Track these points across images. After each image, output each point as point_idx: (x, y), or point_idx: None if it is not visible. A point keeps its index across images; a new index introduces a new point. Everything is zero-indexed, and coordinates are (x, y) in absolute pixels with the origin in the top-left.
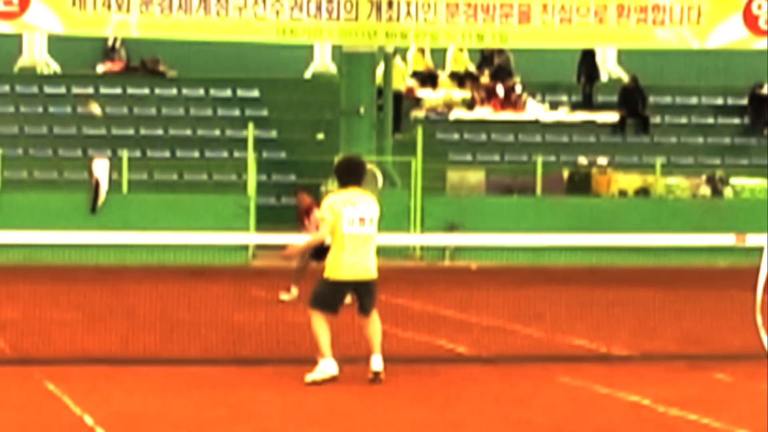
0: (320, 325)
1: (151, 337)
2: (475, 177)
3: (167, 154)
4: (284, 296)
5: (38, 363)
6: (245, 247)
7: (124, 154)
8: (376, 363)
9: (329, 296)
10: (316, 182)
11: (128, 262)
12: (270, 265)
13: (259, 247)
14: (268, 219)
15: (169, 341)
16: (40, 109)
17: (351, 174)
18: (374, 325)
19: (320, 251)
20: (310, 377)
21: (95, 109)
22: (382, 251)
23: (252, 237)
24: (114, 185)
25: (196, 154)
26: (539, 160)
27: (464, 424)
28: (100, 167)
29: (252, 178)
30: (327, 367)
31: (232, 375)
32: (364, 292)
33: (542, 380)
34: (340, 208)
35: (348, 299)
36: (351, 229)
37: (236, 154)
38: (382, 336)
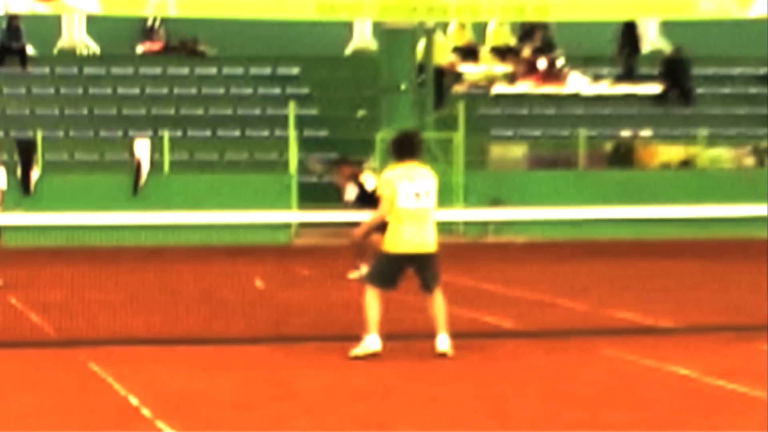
0: (372, 301)
1: (195, 317)
2: (517, 151)
3: (208, 133)
4: (353, 275)
5: (82, 344)
6: (287, 226)
7: (165, 134)
8: (442, 343)
9: (388, 270)
10: (358, 159)
11: (170, 242)
12: (312, 244)
13: (302, 226)
14: (310, 197)
15: (212, 321)
16: (80, 91)
17: (407, 148)
18: (438, 304)
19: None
20: (353, 352)
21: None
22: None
23: (294, 215)
24: (155, 166)
25: (237, 133)
26: (582, 133)
27: (508, 399)
28: (141, 148)
29: (293, 156)
30: (371, 342)
31: (276, 353)
32: (423, 266)
33: (587, 354)
34: (397, 183)
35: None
36: (407, 203)
37: (277, 132)
38: (423, 312)
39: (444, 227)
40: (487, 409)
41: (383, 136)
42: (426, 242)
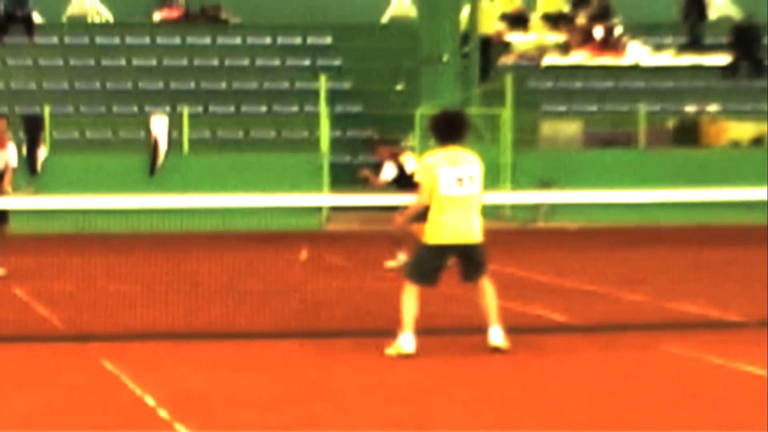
0: (410, 298)
1: (217, 310)
2: (571, 129)
3: (231, 109)
4: (390, 264)
5: (94, 339)
6: (318, 210)
7: (185, 110)
8: (495, 336)
9: (428, 264)
10: (395, 138)
11: (190, 228)
12: (345, 229)
13: (334, 210)
14: (343, 179)
15: (236, 313)
16: (92, 62)
17: (450, 130)
18: (488, 294)
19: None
20: (387, 351)
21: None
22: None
23: (325, 198)
24: (174, 144)
25: (263, 108)
26: (642, 108)
27: (562, 400)
28: (159, 125)
29: (325, 134)
30: (405, 342)
31: (305, 349)
32: (466, 257)
33: (648, 350)
34: (437, 169)
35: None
36: (448, 190)
37: (307, 108)
38: (472, 304)
39: (490, 212)
40: (538, 411)
41: (423, 112)
42: (470, 232)
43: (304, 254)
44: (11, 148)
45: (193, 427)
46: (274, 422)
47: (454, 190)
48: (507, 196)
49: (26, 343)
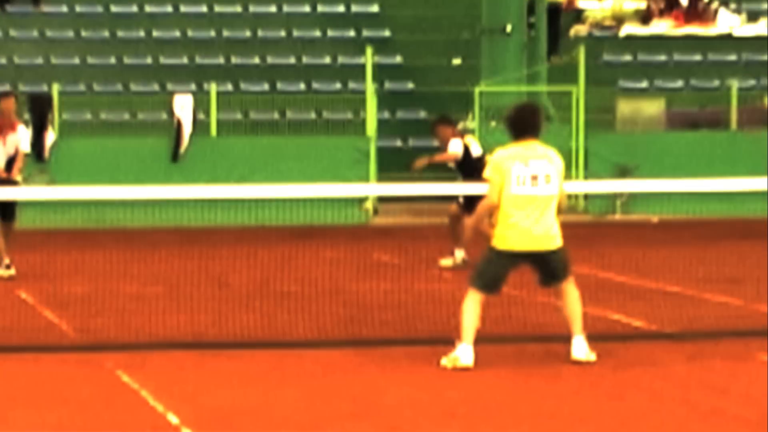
0: (472, 306)
1: (250, 315)
2: (652, 108)
3: (265, 87)
4: (445, 262)
5: (109, 349)
6: (364, 200)
7: (212, 87)
8: (578, 349)
9: (495, 270)
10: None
11: (219, 222)
12: (394, 223)
13: (382, 200)
14: (392, 165)
15: (271, 319)
16: (106, 34)
17: (526, 125)
18: (571, 300)
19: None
20: (443, 362)
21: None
22: None
23: (372, 188)
24: (200, 127)
25: (302, 86)
26: (734, 85)
27: (643, 417)
28: (183, 105)
29: (371, 114)
30: (462, 354)
31: (350, 359)
32: (542, 264)
33: (741, 361)
34: (508, 165)
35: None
36: (521, 189)
37: (351, 85)
38: (539, 308)
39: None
40: (616, 429)
41: (483, 89)
42: (545, 237)
43: (417, 166)
44: (22, 130)
45: None
46: None
47: (527, 190)
48: (580, 186)
49: (33, 353)
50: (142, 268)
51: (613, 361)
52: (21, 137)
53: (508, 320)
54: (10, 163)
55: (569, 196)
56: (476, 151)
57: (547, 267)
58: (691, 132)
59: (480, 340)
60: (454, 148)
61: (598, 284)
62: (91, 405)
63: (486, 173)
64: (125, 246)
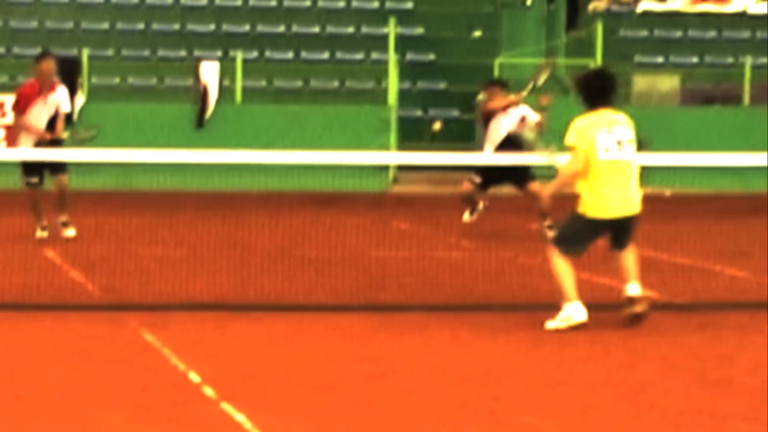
0: (564, 265)
1: (270, 278)
2: (668, 83)
3: (290, 55)
4: (466, 217)
5: (134, 309)
6: (385, 169)
7: (238, 55)
8: (633, 288)
9: (582, 236)
10: (471, 90)
11: (242, 186)
12: (414, 192)
13: (402, 169)
14: (413, 134)
15: (291, 283)
16: (135, 0)
17: (602, 92)
18: (630, 257)
19: (489, 178)
20: (552, 324)
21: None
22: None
23: (393, 156)
24: (225, 93)
25: (325, 55)
26: (747, 61)
27: (652, 386)
28: (209, 71)
29: (393, 84)
30: (575, 312)
31: (368, 324)
32: (623, 229)
33: (749, 332)
34: (593, 133)
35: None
36: (608, 155)
37: (374, 55)
38: (549, 278)
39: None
40: (627, 396)
41: (503, 62)
42: (632, 202)
43: (437, 125)
44: (61, 91)
45: (241, 408)
46: (331, 404)
47: (613, 155)
48: None
49: (59, 311)
50: (167, 231)
51: (625, 330)
52: (61, 98)
53: (522, 288)
54: (52, 123)
55: None
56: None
57: (625, 232)
58: (705, 107)
59: (493, 307)
60: (533, 117)
61: (612, 255)
62: (115, 362)
63: (569, 140)
64: (150, 209)
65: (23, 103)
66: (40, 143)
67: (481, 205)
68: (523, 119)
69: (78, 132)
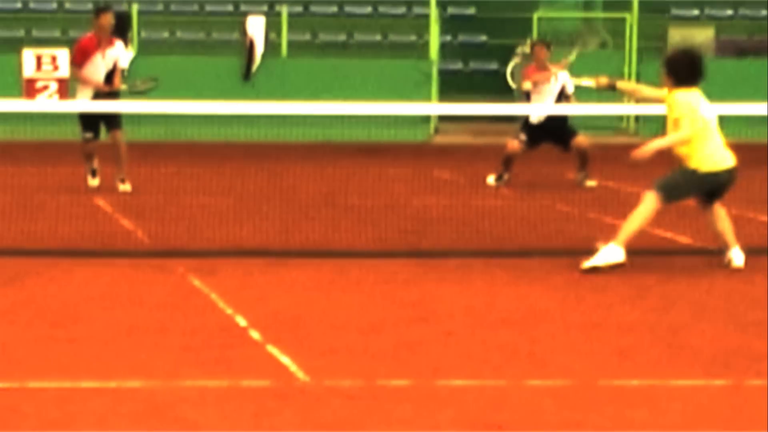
0: (648, 213)
1: (315, 226)
2: (702, 35)
3: (334, 9)
4: (490, 179)
5: (182, 255)
6: (426, 120)
7: (284, 9)
8: (738, 257)
9: (689, 189)
10: (510, 43)
11: (288, 137)
12: (455, 142)
13: (443, 120)
14: (454, 87)
15: (335, 230)
16: None
17: (695, 72)
18: (722, 217)
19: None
20: (589, 263)
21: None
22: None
23: (434, 108)
24: (271, 47)
25: (368, 9)
26: None
27: (686, 328)
28: (255, 26)
29: (434, 38)
30: (616, 253)
31: (410, 269)
32: (730, 180)
33: None
34: (696, 103)
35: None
36: (711, 121)
37: (416, 9)
38: (590, 223)
39: (612, 124)
40: (660, 338)
41: (541, 15)
42: (731, 155)
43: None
44: (119, 46)
45: (286, 350)
46: (373, 346)
47: (714, 122)
48: (631, 108)
49: (110, 258)
50: (214, 180)
51: (660, 275)
52: (119, 52)
53: (560, 235)
54: (109, 77)
55: (622, 119)
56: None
57: (729, 183)
58: (740, 59)
59: (531, 253)
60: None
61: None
62: (164, 307)
63: (678, 112)
64: (198, 159)
65: (81, 57)
66: (98, 95)
67: (507, 176)
68: (562, 90)
69: (136, 83)
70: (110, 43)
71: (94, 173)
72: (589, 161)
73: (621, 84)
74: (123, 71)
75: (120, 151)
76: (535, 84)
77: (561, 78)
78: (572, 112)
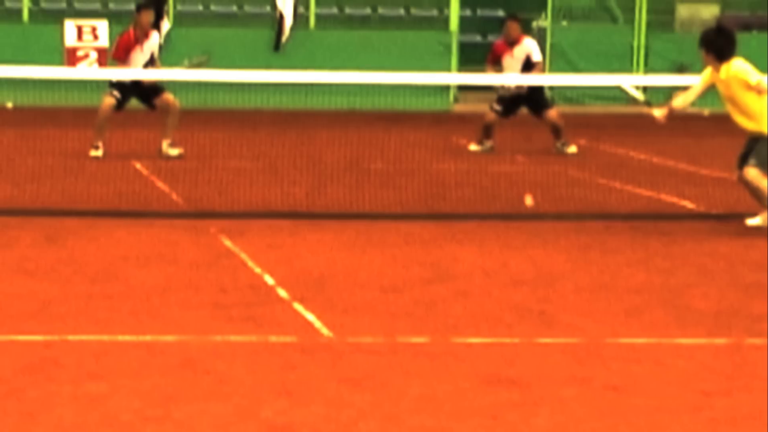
0: (763, 177)
1: (340, 189)
2: (709, 11)
3: None
4: (474, 147)
5: (214, 216)
6: (446, 89)
7: None
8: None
9: None
10: (528, 17)
11: (315, 105)
12: (474, 110)
13: (462, 89)
14: (473, 58)
15: (359, 193)
16: None
17: (734, 45)
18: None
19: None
20: (752, 221)
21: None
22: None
23: (454, 77)
24: (300, 20)
25: None
26: None
27: (690, 289)
28: (285, 0)
29: (454, 12)
30: None
31: (429, 231)
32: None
33: None
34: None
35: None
36: None
37: None
38: (599, 188)
39: (623, 96)
40: (665, 299)
41: None
42: None
43: (528, 200)
44: (155, 36)
45: (312, 307)
46: (394, 304)
47: None
48: (640, 79)
49: (146, 218)
50: (244, 146)
51: (666, 238)
52: (154, 43)
53: (570, 199)
54: (147, 66)
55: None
56: (537, 56)
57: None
58: (744, 34)
59: (544, 217)
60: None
61: (655, 169)
62: (196, 265)
63: (755, 78)
64: (229, 126)
65: (123, 53)
66: (136, 85)
67: (489, 144)
68: (528, 59)
69: (192, 59)
70: (147, 36)
71: (97, 147)
72: (562, 130)
73: (676, 103)
74: (159, 45)
75: (172, 111)
76: (494, 66)
77: (526, 46)
78: (587, 82)
